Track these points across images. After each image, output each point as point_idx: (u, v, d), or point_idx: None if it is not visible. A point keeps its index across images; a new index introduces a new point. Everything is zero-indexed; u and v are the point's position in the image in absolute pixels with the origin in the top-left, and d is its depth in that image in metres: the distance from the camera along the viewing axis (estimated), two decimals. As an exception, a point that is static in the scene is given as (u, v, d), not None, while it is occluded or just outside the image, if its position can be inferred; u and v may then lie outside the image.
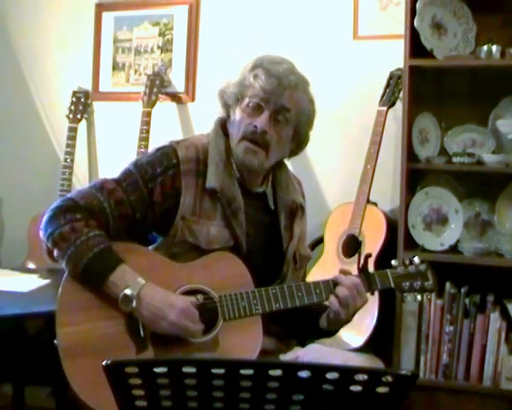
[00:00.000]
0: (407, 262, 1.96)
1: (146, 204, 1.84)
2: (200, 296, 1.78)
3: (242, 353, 1.75)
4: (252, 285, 1.83)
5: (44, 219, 1.82)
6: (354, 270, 1.93)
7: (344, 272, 1.88)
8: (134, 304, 1.72)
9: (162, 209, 1.86)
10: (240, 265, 1.84)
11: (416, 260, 1.96)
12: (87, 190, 1.85)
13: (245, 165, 1.90)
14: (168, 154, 1.88)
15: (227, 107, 1.94)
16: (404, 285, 1.92)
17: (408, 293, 1.94)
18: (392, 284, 1.92)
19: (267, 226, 1.98)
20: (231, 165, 1.91)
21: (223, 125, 1.96)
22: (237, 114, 1.90)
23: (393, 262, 1.96)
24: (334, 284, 1.85)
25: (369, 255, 1.92)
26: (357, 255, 2.86)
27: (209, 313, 1.77)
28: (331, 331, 1.95)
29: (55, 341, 1.73)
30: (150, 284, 1.75)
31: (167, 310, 1.72)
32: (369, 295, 1.89)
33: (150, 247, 1.93)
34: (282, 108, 1.87)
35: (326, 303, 1.87)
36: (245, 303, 1.79)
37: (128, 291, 1.72)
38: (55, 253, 1.79)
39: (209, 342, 1.77)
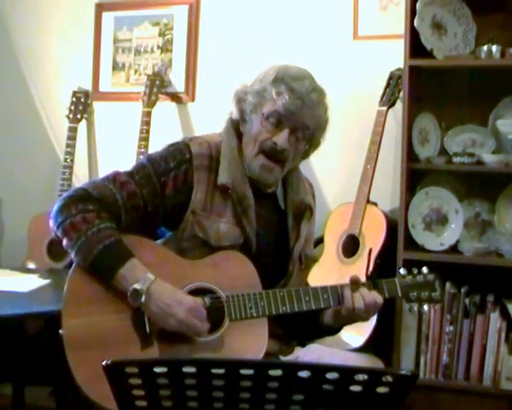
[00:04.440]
0: (415, 271, 1.96)
1: (158, 198, 1.85)
2: (207, 299, 1.77)
3: (247, 354, 1.75)
4: (259, 286, 1.82)
5: (55, 207, 1.80)
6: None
7: (354, 282, 1.86)
8: (143, 299, 1.71)
9: (173, 203, 1.86)
10: (248, 265, 1.84)
11: (425, 269, 1.97)
12: (100, 182, 1.86)
13: (260, 180, 1.92)
14: (181, 149, 1.90)
15: (243, 112, 1.93)
16: (412, 295, 1.93)
17: (414, 303, 1.95)
18: (400, 294, 1.93)
19: (276, 226, 1.98)
20: (243, 164, 1.91)
21: (235, 126, 1.96)
22: (254, 124, 1.89)
23: (402, 271, 1.96)
24: (342, 289, 1.84)
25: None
26: (357, 256, 2.86)
27: (216, 313, 1.77)
28: (335, 329, 1.96)
29: (60, 331, 1.72)
30: (160, 280, 1.74)
31: (176, 307, 1.72)
32: None
33: (159, 240, 1.92)
34: (303, 127, 1.87)
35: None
36: (252, 305, 1.78)
37: (138, 286, 1.71)
38: (65, 242, 1.78)
39: (214, 341, 1.76)
